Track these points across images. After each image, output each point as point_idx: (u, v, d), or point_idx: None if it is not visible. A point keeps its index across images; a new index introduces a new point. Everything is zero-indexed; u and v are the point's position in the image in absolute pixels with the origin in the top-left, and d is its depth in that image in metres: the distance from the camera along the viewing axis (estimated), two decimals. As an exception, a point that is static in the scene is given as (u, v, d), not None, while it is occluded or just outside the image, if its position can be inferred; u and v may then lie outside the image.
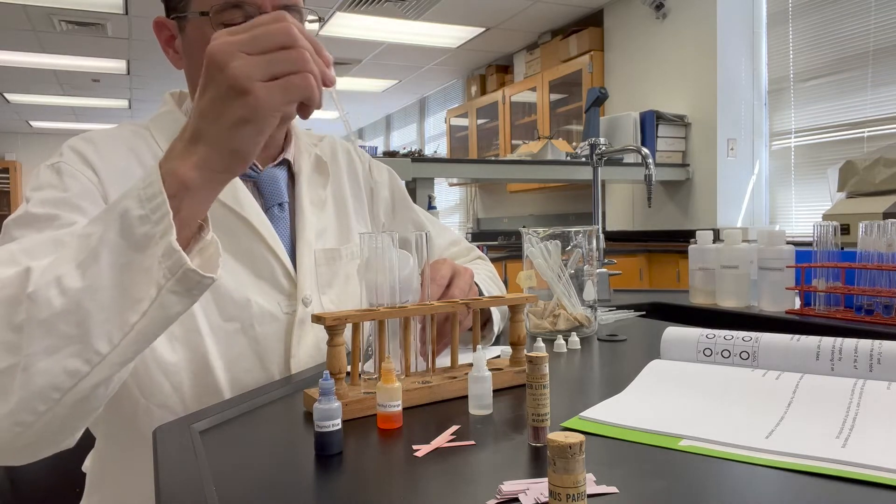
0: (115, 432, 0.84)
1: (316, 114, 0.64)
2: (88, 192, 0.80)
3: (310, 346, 0.89)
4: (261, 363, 0.86)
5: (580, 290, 1.05)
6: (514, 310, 0.74)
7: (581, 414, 0.62)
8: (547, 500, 0.40)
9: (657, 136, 4.02)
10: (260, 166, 0.93)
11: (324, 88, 0.60)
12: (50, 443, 0.62)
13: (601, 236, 1.53)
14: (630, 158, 3.85)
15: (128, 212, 0.57)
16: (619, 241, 4.28)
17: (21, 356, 0.56)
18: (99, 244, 0.57)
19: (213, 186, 0.60)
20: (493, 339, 0.99)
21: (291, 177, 0.97)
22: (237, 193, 0.87)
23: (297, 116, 0.62)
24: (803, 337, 0.67)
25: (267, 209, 0.91)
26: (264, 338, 0.85)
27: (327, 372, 0.57)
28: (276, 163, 0.95)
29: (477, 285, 0.93)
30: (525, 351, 0.71)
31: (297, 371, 0.86)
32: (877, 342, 0.63)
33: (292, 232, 0.94)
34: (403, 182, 1.16)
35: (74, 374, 0.56)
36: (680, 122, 4.11)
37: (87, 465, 0.90)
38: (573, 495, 0.37)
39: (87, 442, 0.88)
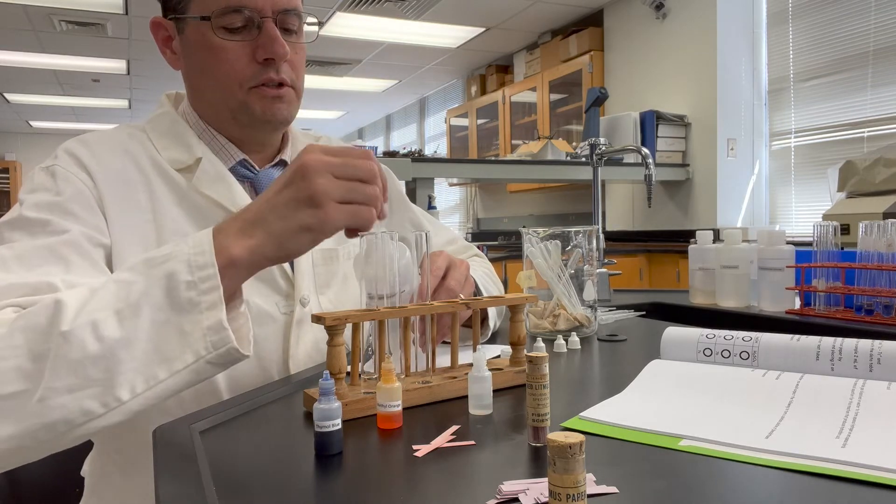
0: (112, 435, 0.84)
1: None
2: (82, 196, 0.80)
3: (308, 347, 0.89)
4: (259, 364, 0.85)
5: (580, 290, 1.05)
6: (514, 310, 0.74)
7: (581, 414, 0.62)
8: (547, 500, 0.40)
9: (657, 136, 4.02)
10: (257, 167, 0.93)
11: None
12: (33, 458, 0.62)
13: (601, 236, 1.53)
14: (630, 158, 3.85)
15: (175, 274, 0.61)
16: (619, 241, 4.29)
17: (39, 386, 0.57)
18: (141, 298, 0.60)
19: (254, 269, 0.65)
20: (489, 337, 0.99)
21: None
22: (234, 194, 0.87)
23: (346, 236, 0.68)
24: (803, 337, 0.67)
25: None
26: (263, 338, 0.85)
27: (327, 372, 0.57)
28: (273, 163, 0.95)
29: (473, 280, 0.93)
30: (525, 351, 0.71)
31: (296, 371, 0.86)
32: (877, 342, 0.63)
33: None
34: (403, 182, 1.17)
35: (88, 414, 0.58)
36: (680, 122, 4.10)
37: (85, 469, 0.90)
38: (573, 495, 0.37)
39: (87, 444, 0.88)
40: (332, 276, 0.95)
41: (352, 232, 0.67)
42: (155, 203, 0.84)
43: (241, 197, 0.87)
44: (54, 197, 0.78)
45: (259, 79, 0.85)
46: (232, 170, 0.91)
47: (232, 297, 0.65)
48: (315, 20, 0.92)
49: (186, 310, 0.60)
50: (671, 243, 3.83)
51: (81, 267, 0.74)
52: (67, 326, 0.58)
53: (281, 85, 0.86)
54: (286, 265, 0.89)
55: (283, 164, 0.96)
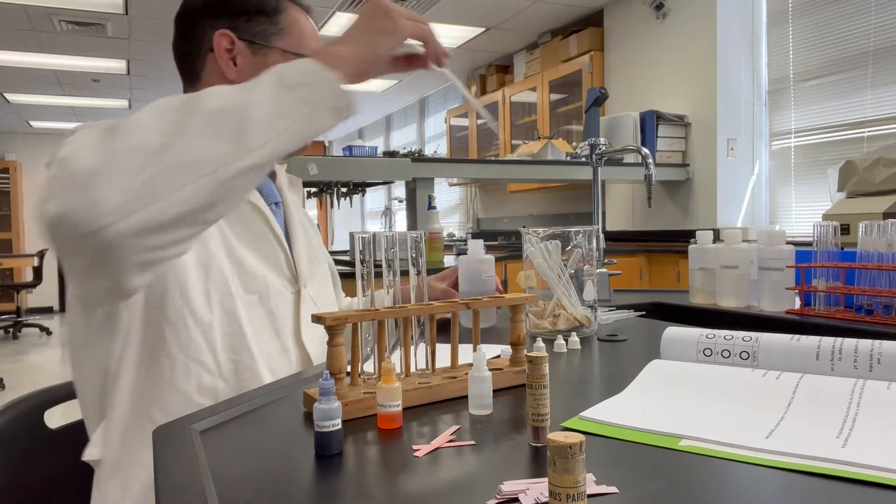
0: (146, 401, 0.86)
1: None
2: None
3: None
4: (276, 333, 0.95)
5: (580, 290, 1.05)
6: (514, 310, 0.74)
7: (581, 414, 0.62)
8: (547, 500, 0.40)
9: (657, 136, 4.01)
10: None
11: (454, 78, 0.87)
12: (175, 215, 0.65)
13: (601, 236, 1.53)
14: (630, 158, 3.85)
15: (284, 70, 0.73)
16: (619, 241, 4.28)
17: (176, 136, 0.64)
18: (255, 84, 0.71)
19: (352, 69, 0.76)
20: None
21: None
22: (257, 196, 0.98)
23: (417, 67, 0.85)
24: (803, 337, 0.67)
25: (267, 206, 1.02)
26: (277, 308, 0.96)
27: (327, 372, 0.57)
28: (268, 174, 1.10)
29: None
30: (525, 351, 0.71)
31: (307, 338, 0.96)
32: (877, 342, 0.63)
33: (285, 227, 1.05)
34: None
35: (222, 159, 0.65)
36: (680, 122, 4.10)
37: (93, 453, 0.89)
38: (573, 495, 0.37)
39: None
40: (314, 272, 1.08)
41: (416, 61, 0.84)
42: None
43: (253, 192, 0.97)
44: None
45: None
46: None
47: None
48: None
49: (298, 86, 0.72)
50: (671, 243, 3.83)
51: None
52: (198, 95, 0.68)
53: None
54: (289, 254, 1.00)
55: (273, 175, 1.09)
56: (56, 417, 1.03)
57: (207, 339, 0.87)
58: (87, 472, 0.90)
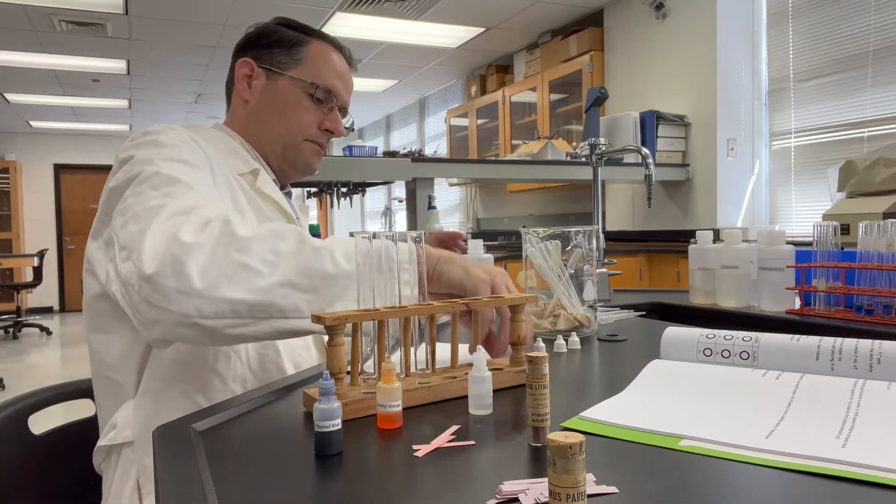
0: (186, 382, 0.90)
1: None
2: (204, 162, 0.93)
3: None
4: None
5: (580, 290, 1.05)
6: (514, 310, 0.74)
7: (581, 414, 0.62)
8: (547, 500, 0.40)
9: (657, 136, 4.01)
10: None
11: None
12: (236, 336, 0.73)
13: (601, 236, 1.53)
14: (630, 158, 3.85)
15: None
16: (619, 241, 4.28)
17: (276, 272, 0.71)
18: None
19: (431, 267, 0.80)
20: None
21: None
22: (284, 202, 1.07)
23: None
24: (803, 337, 0.67)
25: None
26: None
27: (327, 372, 0.57)
28: (285, 191, 1.17)
29: None
30: (525, 351, 0.71)
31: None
32: (877, 342, 0.63)
33: None
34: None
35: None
36: (680, 122, 4.10)
37: (125, 435, 0.89)
38: (573, 495, 0.37)
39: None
40: None
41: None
42: (234, 194, 0.97)
43: (285, 201, 1.07)
44: (187, 154, 0.90)
45: (316, 138, 1.11)
46: None
47: None
48: (351, 120, 1.18)
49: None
50: (671, 243, 3.82)
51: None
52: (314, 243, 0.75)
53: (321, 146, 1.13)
54: None
55: (289, 194, 1.17)
56: (42, 423, 1.02)
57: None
58: (75, 477, 0.90)
